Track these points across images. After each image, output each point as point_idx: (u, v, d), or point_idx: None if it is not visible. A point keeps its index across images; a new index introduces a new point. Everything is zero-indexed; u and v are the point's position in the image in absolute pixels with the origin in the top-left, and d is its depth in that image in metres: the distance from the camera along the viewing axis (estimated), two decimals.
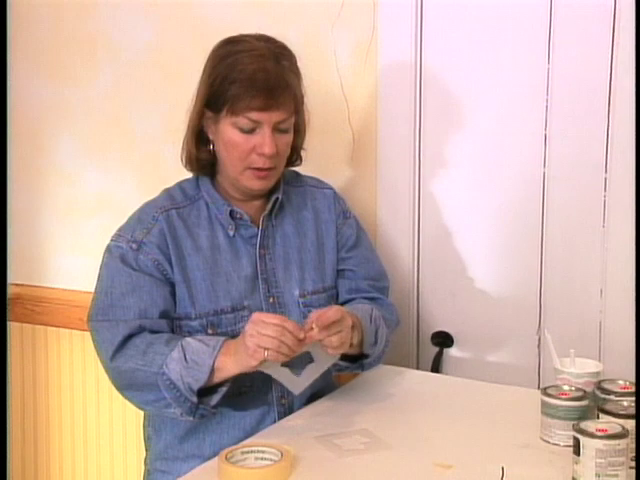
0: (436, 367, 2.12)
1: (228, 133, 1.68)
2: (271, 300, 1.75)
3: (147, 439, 1.83)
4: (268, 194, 1.78)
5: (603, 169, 1.93)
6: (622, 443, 1.34)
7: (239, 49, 1.67)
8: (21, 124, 2.56)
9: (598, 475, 1.34)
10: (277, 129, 1.67)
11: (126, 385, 1.64)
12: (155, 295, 1.66)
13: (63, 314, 2.50)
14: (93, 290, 1.71)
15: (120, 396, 1.67)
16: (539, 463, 1.47)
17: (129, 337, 1.63)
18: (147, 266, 1.67)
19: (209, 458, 1.55)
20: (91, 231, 2.51)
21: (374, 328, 1.74)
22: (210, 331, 1.68)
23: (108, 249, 1.71)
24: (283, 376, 1.60)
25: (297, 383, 1.61)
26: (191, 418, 1.60)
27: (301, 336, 1.53)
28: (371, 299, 1.86)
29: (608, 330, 1.96)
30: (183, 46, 2.32)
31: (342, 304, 1.82)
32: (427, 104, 2.08)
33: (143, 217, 1.72)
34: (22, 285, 2.61)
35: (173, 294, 1.69)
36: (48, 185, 2.56)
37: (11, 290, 2.57)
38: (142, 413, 1.84)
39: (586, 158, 1.94)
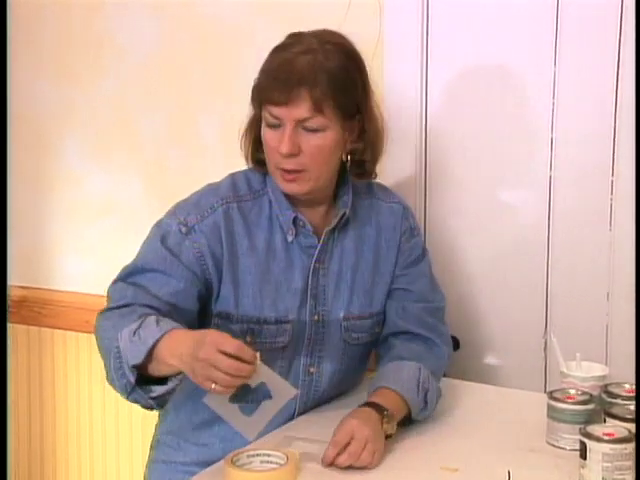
0: None
1: (263, 129, 1.60)
2: (315, 318, 1.67)
3: (163, 412, 1.75)
4: (335, 201, 1.69)
5: (610, 172, 1.93)
6: (629, 447, 1.34)
7: (288, 42, 1.61)
8: (26, 126, 2.56)
9: (605, 479, 1.33)
10: (304, 128, 1.56)
11: (98, 347, 1.53)
12: (180, 290, 1.57)
13: (69, 317, 2.50)
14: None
15: None
16: (545, 467, 1.47)
17: (131, 305, 1.52)
18: (188, 257, 1.59)
19: (216, 461, 1.51)
20: (97, 234, 2.51)
21: (423, 394, 1.64)
22: (249, 339, 1.60)
23: (158, 224, 1.63)
24: (230, 415, 1.42)
25: (249, 425, 1.43)
26: (125, 397, 1.46)
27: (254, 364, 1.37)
28: (417, 336, 1.74)
29: (614, 333, 1.96)
30: (189, 48, 2.32)
31: (390, 336, 1.75)
32: (433, 106, 2.08)
33: (202, 202, 1.63)
34: (28, 288, 2.60)
35: (203, 294, 1.61)
36: (53, 188, 2.56)
37: (17, 293, 2.57)
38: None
39: (593, 161, 1.94)
